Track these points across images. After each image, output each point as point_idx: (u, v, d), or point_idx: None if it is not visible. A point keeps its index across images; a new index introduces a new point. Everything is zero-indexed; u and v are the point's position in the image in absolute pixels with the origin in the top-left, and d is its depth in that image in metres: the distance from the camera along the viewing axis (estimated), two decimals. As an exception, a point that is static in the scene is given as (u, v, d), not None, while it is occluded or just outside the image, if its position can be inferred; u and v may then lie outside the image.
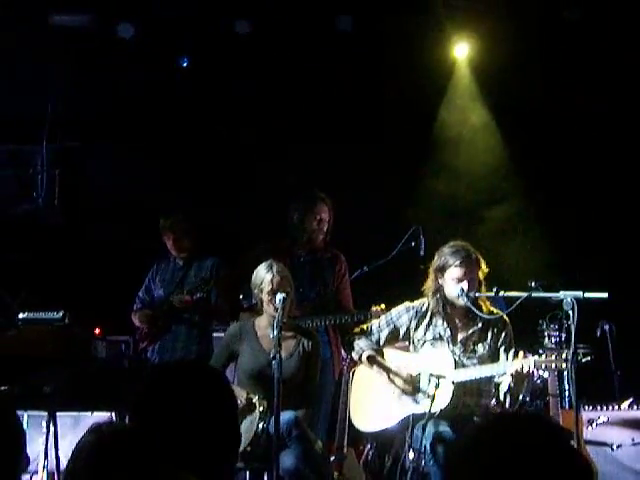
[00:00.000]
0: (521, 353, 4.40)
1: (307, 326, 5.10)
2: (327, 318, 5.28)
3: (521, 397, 4.64)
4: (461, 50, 6.81)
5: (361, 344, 4.71)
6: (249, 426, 4.46)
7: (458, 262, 4.51)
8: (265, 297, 4.68)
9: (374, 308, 5.05)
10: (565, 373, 4.82)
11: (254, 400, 4.49)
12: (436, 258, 4.63)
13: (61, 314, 4.75)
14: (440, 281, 4.60)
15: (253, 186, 6.85)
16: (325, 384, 5.25)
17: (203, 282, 5.63)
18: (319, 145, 6.63)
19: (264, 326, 4.76)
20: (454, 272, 4.53)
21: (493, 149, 6.90)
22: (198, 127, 6.93)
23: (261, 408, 4.48)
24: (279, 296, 4.55)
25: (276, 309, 4.54)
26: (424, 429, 4.29)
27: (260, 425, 4.46)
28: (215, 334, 5.75)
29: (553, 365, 4.28)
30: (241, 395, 4.47)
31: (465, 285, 4.51)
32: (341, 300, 5.52)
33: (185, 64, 6.89)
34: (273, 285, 4.64)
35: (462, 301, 4.49)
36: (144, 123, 6.80)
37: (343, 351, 5.26)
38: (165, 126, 6.85)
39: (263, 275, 4.69)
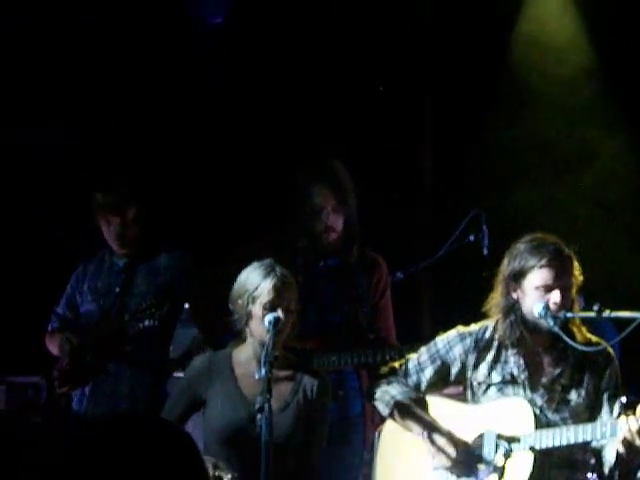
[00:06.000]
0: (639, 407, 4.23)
1: (328, 365, 5.08)
2: (359, 354, 5.20)
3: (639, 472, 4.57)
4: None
5: (392, 391, 4.63)
6: None
7: (545, 261, 4.42)
8: (258, 312, 4.56)
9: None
10: None
11: None
12: (507, 260, 4.54)
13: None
14: (515, 294, 4.50)
15: (241, 150, 6.96)
16: (352, 452, 5.23)
17: (154, 302, 5.48)
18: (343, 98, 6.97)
19: (246, 360, 4.67)
20: (538, 277, 4.44)
21: (586, 79, 7.12)
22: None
23: None
24: (270, 316, 4.46)
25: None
26: (489, 519, 4.30)
27: None
28: (175, 373, 5.70)
29: None
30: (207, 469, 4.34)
31: (556, 296, 4.39)
32: (380, 327, 5.42)
33: None
34: (275, 295, 4.54)
35: (546, 323, 4.39)
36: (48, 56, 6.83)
37: None
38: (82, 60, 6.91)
39: (258, 280, 4.59)
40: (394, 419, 4.63)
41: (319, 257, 5.46)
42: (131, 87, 7.12)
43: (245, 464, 4.44)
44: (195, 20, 7.27)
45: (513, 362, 4.53)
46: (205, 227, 6.81)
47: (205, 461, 4.32)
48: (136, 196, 5.75)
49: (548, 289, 4.42)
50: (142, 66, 7.15)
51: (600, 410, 4.47)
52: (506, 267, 4.53)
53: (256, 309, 4.55)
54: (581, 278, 4.51)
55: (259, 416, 4.18)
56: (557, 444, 4.32)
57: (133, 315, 5.53)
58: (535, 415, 4.39)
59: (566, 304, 4.42)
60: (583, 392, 4.49)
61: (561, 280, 4.42)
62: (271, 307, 4.53)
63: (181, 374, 5.13)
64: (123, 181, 5.81)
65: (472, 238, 5.61)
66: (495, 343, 4.57)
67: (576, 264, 4.50)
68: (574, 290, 4.49)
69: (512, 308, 4.51)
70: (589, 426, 4.32)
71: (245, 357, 4.67)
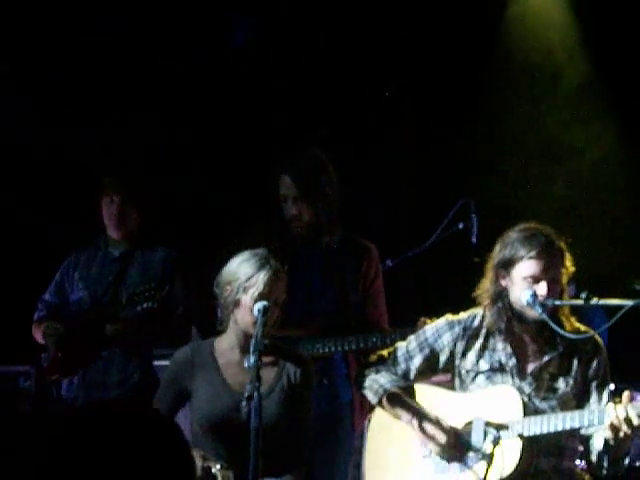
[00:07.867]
0: (626, 393, 4.23)
1: (313, 352, 5.03)
2: (348, 341, 5.17)
3: (626, 459, 4.52)
4: None
5: (380, 379, 4.63)
6: None
7: (534, 252, 4.40)
8: (248, 302, 4.53)
9: (422, 320, 4.91)
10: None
11: (214, 470, 4.36)
12: (499, 248, 4.52)
13: None
14: (504, 282, 4.49)
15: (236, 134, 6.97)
16: (339, 441, 5.20)
17: (153, 286, 5.47)
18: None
19: (228, 348, 4.66)
20: (527, 267, 4.42)
21: (572, 72, 7.14)
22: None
23: None
24: (259, 304, 4.45)
25: (255, 323, 4.43)
26: (477, 506, 4.25)
27: None
28: (157, 362, 5.69)
29: None
30: (195, 460, 4.31)
31: (542, 288, 4.38)
32: (371, 313, 5.39)
33: None
34: (268, 288, 4.52)
35: (534, 312, 4.38)
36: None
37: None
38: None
39: (252, 270, 4.55)
40: (383, 407, 4.63)
41: (296, 245, 5.41)
42: (129, 86, 7.13)
43: (232, 451, 4.45)
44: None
45: (501, 349, 4.52)
46: (200, 223, 6.78)
47: (194, 453, 4.40)
48: (138, 181, 5.79)
49: (536, 280, 4.40)
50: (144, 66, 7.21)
51: (588, 399, 4.47)
52: (497, 254, 4.51)
53: (246, 299, 4.53)
54: (572, 269, 4.48)
55: (244, 403, 4.15)
56: (545, 431, 4.30)
57: (130, 298, 5.51)
58: (523, 403, 4.38)
59: (553, 296, 4.41)
60: (571, 381, 4.48)
61: (549, 273, 4.40)
62: (261, 299, 4.50)
63: (166, 363, 5.09)
64: (130, 172, 5.90)
65: (461, 226, 5.62)
66: (483, 331, 4.57)
67: (568, 256, 4.48)
68: (564, 281, 4.47)
69: (500, 295, 4.50)
70: (577, 413, 4.31)
71: (227, 345, 4.66)
